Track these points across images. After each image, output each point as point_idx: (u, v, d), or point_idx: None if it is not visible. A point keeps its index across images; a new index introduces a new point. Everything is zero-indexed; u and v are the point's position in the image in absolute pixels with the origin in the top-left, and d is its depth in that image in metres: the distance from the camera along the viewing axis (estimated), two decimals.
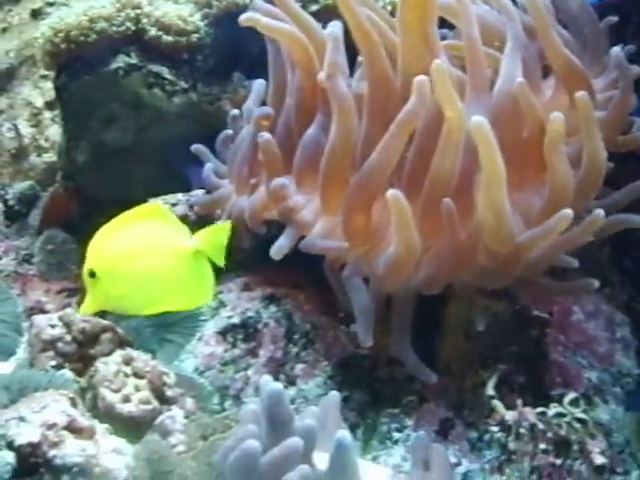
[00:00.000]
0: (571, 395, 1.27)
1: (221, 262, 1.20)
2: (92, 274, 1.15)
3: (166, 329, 1.49)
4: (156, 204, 1.20)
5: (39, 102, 1.88)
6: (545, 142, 1.22)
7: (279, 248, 1.35)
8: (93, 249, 1.17)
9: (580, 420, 1.24)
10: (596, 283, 1.29)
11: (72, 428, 1.09)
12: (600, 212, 1.22)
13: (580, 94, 1.20)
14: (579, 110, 1.21)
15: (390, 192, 1.21)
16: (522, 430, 1.23)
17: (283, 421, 1.10)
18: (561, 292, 1.35)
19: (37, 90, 1.89)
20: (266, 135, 1.38)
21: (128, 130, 1.61)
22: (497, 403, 1.26)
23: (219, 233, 1.19)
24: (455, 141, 1.22)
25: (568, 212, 1.19)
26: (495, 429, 1.25)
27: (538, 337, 1.37)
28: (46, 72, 1.86)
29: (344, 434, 1.09)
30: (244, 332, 1.44)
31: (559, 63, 1.31)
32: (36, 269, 1.69)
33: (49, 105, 1.86)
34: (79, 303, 1.31)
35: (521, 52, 1.29)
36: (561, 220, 1.20)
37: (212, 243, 1.18)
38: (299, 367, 1.41)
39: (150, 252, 1.15)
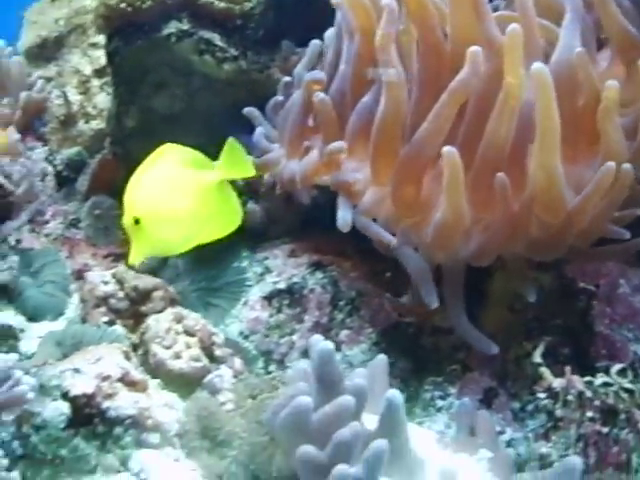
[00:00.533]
0: (618, 366, 1.27)
1: (250, 172, 1.26)
2: (136, 221, 1.18)
3: (211, 294, 1.51)
4: (172, 144, 1.24)
5: (87, 70, 1.89)
6: (599, 110, 1.22)
7: (344, 220, 1.34)
8: (130, 198, 1.21)
9: (627, 390, 1.24)
10: None
11: (126, 381, 1.11)
12: (628, 166, 1.22)
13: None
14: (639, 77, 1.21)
15: (446, 148, 1.22)
16: (569, 397, 1.23)
17: (333, 380, 1.11)
18: (614, 255, 1.34)
19: (86, 58, 1.90)
20: (321, 94, 1.38)
21: (177, 96, 1.62)
22: (545, 370, 1.27)
23: (232, 152, 1.24)
24: (511, 108, 1.22)
25: (611, 164, 1.19)
26: (542, 396, 1.25)
27: (584, 309, 1.36)
28: (95, 40, 1.88)
29: (394, 393, 1.10)
30: (290, 297, 1.45)
31: (616, 32, 1.30)
32: (83, 234, 1.71)
33: (97, 73, 1.88)
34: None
35: (580, 24, 1.28)
36: (606, 173, 1.20)
37: (232, 165, 1.23)
38: (344, 333, 1.42)
39: (179, 191, 1.20)
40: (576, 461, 1.11)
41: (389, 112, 1.32)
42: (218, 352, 1.27)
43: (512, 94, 1.21)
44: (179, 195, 1.20)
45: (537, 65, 1.19)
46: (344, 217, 1.34)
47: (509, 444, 1.28)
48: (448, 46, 1.34)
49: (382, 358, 1.23)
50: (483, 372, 1.37)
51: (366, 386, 1.12)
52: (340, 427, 1.04)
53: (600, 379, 1.25)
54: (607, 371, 1.27)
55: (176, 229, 1.20)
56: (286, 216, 1.52)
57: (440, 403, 1.36)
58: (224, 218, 1.24)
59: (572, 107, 1.27)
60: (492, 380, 1.36)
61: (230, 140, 1.26)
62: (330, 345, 1.13)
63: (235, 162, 1.24)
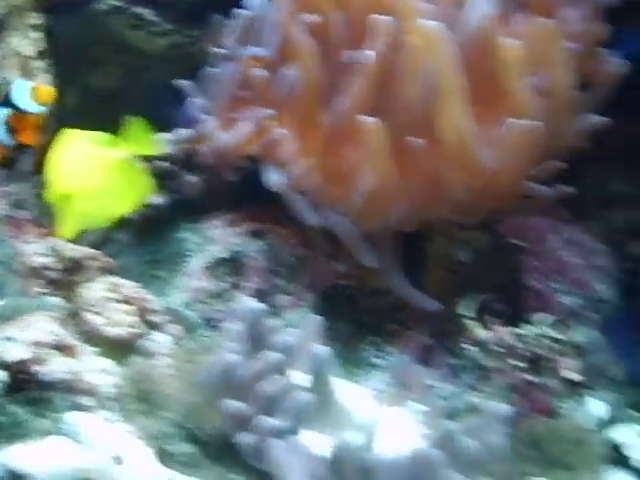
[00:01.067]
0: (546, 317, 1.31)
1: (152, 149, 1.34)
2: (65, 197, 1.26)
3: (155, 266, 1.53)
4: (77, 130, 1.31)
5: (29, 52, 1.89)
6: (501, 70, 1.25)
7: (275, 180, 1.38)
8: (55, 177, 1.30)
9: (555, 340, 1.28)
10: (569, 189, 1.32)
11: (59, 347, 1.13)
12: (534, 122, 1.24)
13: (539, 21, 1.23)
14: (540, 37, 1.24)
15: (364, 118, 1.24)
16: (499, 349, 1.26)
17: (262, 338, 1.14)
18: (534, 207, 1.37)
19: (26, 40, 1.90)
20: (260, 71, 1.41)
21: (114, 73, 1.64)
22: (474, 323, 1.30)
23: (134, 130, 1.31)
24: (418, 67, 1.24)
25: (512, 122, 1.23)
26: (472, 348, 1.29)
27: (515, 265, 1.40)
28: (35, 22, 1.88)
29: (320, 348, 1.13)
30: (230, 266, 1.47)
31: None
32: (29, 214, 1.72)
33: (39, 54, 1.88)
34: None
35: None
36: (512, 126, 1.23)
37: (134, 142, 1.30)
38: (284, 298, 1.45)
39: (94, 168, 1.27)
40: (501, 408, 1.14)
41: (305, 87, 1.35)
42: (155, 319, 1.29)
43: (417, 55, 1.23)
44: (94, 172, 1.27)
45: (424, 22, 1.21)
46: (273, 178, 1.36)
47: (445, 398, 1.32)
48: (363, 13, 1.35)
49: (314, 318, 1.26)
50: (421, 331, 1.41)
51: (293, 343, 1.15)
52: (265, 382, 1.07)
53: (529, 330, 1.29)
54: (536, 322, 1.30)
55: (96, 202, 1.27)
56: (224, 187, 1.53)
57: (379, 362, 1.39)
58: (133, 190, 1.32)
59: (484, 68, 1.29)
60: (430, 338, 1.40)
61: (131, 118, 1.32)
62: (259, 305, 1.16)
63: (137, 139, 1.30)
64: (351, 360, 1.41)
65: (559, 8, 1.30)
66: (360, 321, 1.45)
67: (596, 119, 1.34)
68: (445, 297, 1.42)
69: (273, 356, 1.10)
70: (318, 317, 1.27)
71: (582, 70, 1.30)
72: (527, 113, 1.22)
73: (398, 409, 1.20)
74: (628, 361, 1.38)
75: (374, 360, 1.40)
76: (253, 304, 1.16)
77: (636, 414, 1.29)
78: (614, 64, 1.35)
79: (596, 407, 1.27)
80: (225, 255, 1.48)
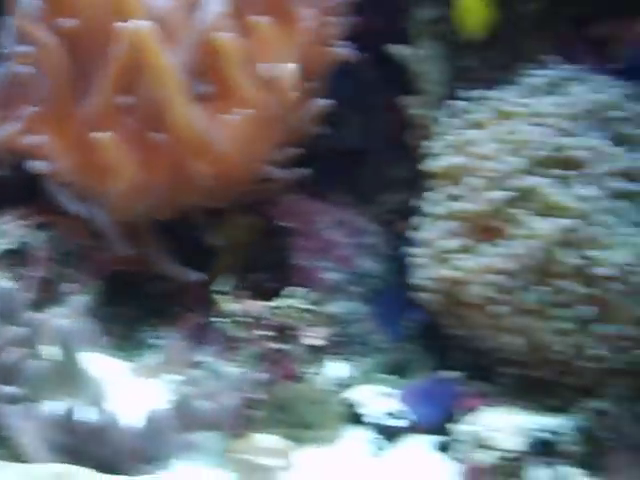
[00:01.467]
0: (299, 291, 1.40)
1: None
2: None
3: None
4: None
5: None
6: (224, 64, 1.36)
7: (38, 167, 1.46)
8: None
9: (305, 310, 1.38)
10: (305, 171, 1.45)
11: None
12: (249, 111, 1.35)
13: (257, 19, 1.35)
14: (263, 34, 1.35)
15: (97, 135, 1.35)
16: (246, 320, 1.36)
17: (11, 315, 1.22)
18: (279, 187, 1.50)
19: None
20: (27, 68, 1.47)
21: None
22: (225, 298, 1.39)
23: None
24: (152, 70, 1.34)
25: (228, 117, 1.35)
26: (224, 320, 1.38)
27: (283, 245, 1.51)
28: None
29: (65, 322, 1.21)
30: (18, 257, 1.53)
31: None
32: None
33: None
34: None
35: None
36: (231, 117, 1.34)
37: None
38: (70, 286, 1.51)
39: None
40: (236, 372, 1.25)
41: (52, 85, 1.42)
42: None
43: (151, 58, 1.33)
44: None
45: (134, 22, 1.32)
46: (39, 165, 1.45)
47: (215, 370, 1.40)
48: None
49: (79, 299, 1.35)
50: (199, 311, 1.49)
51: (41, 319, 1.23)
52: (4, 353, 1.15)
53: (281, 302, 1.38)
54: (289, 296, 1.40)
55: None
56: (14, 183, 1.59)
57: (158, 342, 1.47)
58: None
59: (215, 64, 1.38)
60: (205, 317, 1.48)
61: None
62: (9, 284, 1.24)
63: None
64: (133, 341, 1.49)
65: (294, 8, 1.41)
66: (143, 305, 1.53)
67: (323, 103, 1.46)
68: (223, 277, 1.51)
69: (17, 330, 1.17)
70: (83, 298, 1.35)
71: (312, 61, 1.42)
72: (248, 103, 1.34)
73: (152, 380, 1.29)
74: (391, 329, 1.49)
75: (153, 341, 1.48)
76: (3, 284, 1.23)
77: (383, 376, 1.40)
78: (340, 55, 1.47)
79: (339, 371, 1.37)
80: (13, 247, 1.54)
